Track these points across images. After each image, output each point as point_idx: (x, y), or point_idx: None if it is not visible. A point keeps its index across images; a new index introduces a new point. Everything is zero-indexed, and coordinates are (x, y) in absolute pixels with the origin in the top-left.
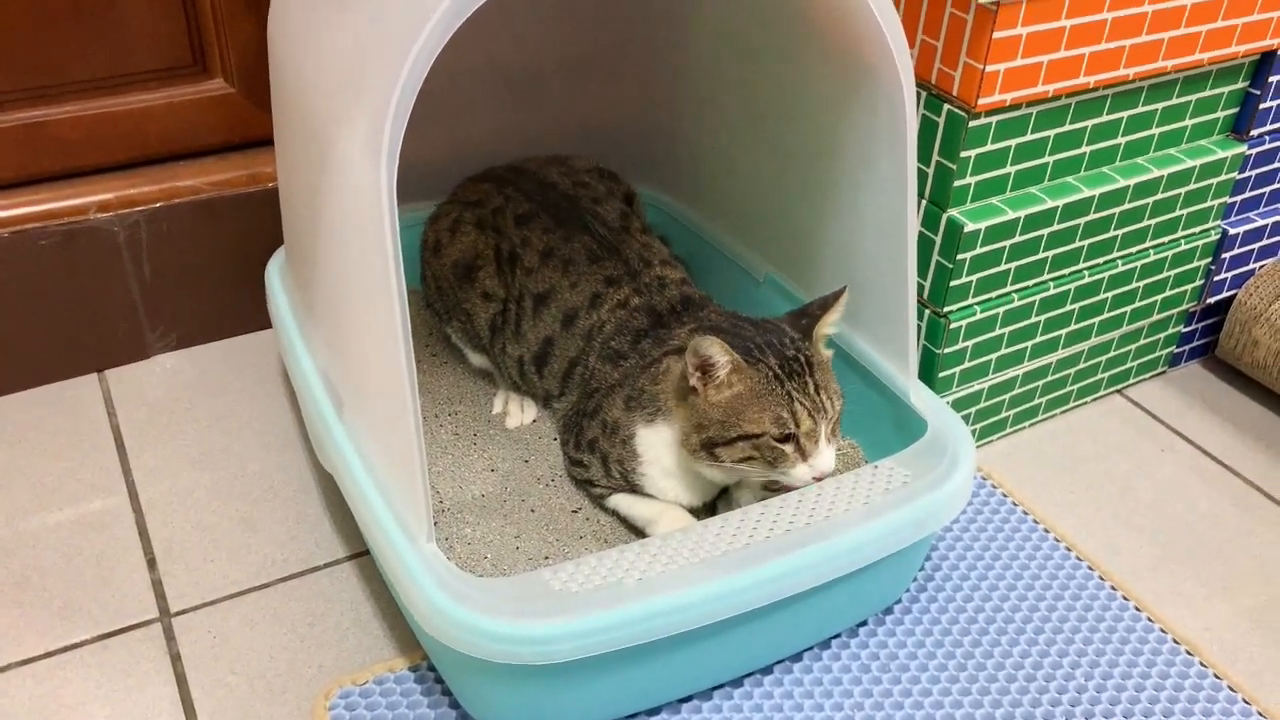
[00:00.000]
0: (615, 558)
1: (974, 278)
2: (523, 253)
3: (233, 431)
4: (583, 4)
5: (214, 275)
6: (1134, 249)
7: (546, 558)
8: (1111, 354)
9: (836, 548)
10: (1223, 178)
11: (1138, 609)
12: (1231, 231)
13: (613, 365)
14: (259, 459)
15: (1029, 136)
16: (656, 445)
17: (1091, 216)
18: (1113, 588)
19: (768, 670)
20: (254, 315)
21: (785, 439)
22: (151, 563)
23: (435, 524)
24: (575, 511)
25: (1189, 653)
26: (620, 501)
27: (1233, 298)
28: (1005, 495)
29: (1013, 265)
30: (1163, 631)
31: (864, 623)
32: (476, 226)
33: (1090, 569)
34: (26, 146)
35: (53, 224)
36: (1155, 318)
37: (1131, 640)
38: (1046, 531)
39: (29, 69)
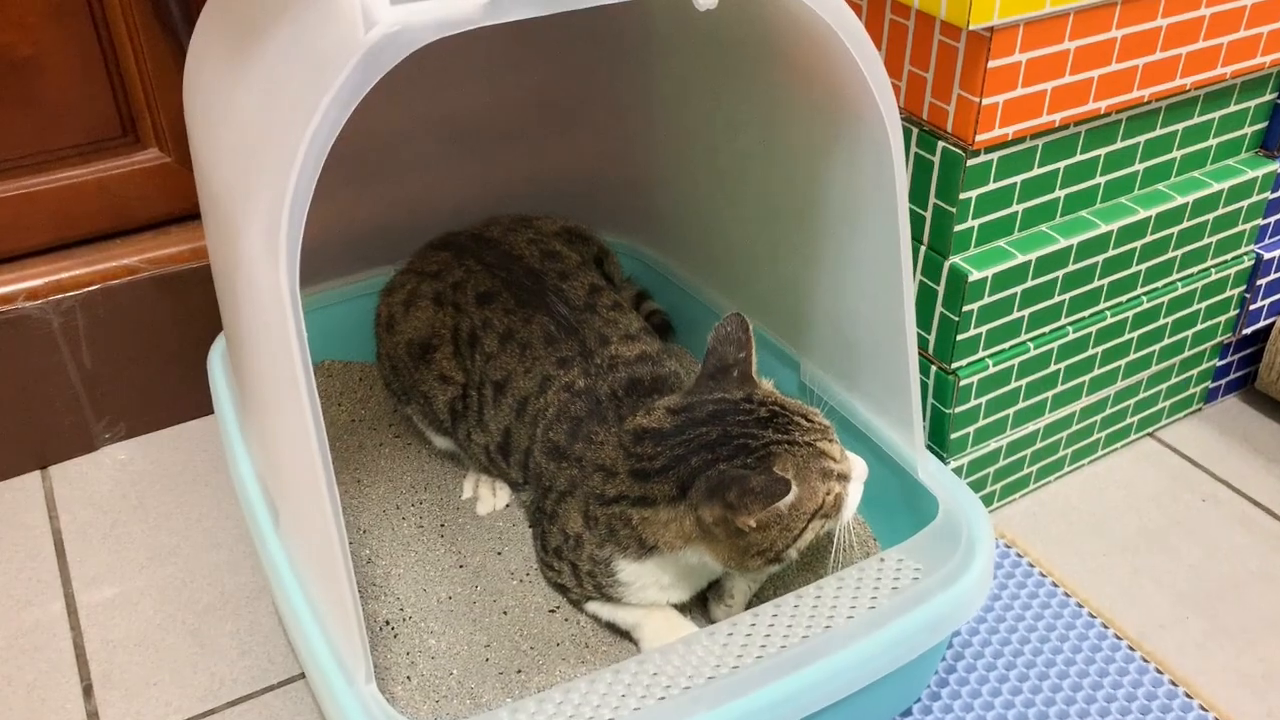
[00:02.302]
0: (584, 690)
1: (983, 329)
2: (483, 335)
3: (181, 531)
4: (540, 55)
5: (161, 358)
6: (1159, 283)
7: (519, 670)
8: (1140, 395)
9: (838, 665)
10: (1254, 199)
11: (1189, 695)
12: (1266, 256)
13: (555, 463)
14: (209, 560)
15: (1036, 171)
16: (650, 572)
17: (1110, 253)
18: (1158, 670)
19: None
20: (208, 398)
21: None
22: (88, 690)
23: (396, 636)
24: (553, 611)
25: None
26: (600, 609)
27: (1271, 326)
28: (1031, 565)
29: (1026, 312)
30: None
31: None
32: (434, 302)
33: (1131, 649)
34: None
35: None
36: (1187, 354)
37: None
38: (1080, 606)
39: None
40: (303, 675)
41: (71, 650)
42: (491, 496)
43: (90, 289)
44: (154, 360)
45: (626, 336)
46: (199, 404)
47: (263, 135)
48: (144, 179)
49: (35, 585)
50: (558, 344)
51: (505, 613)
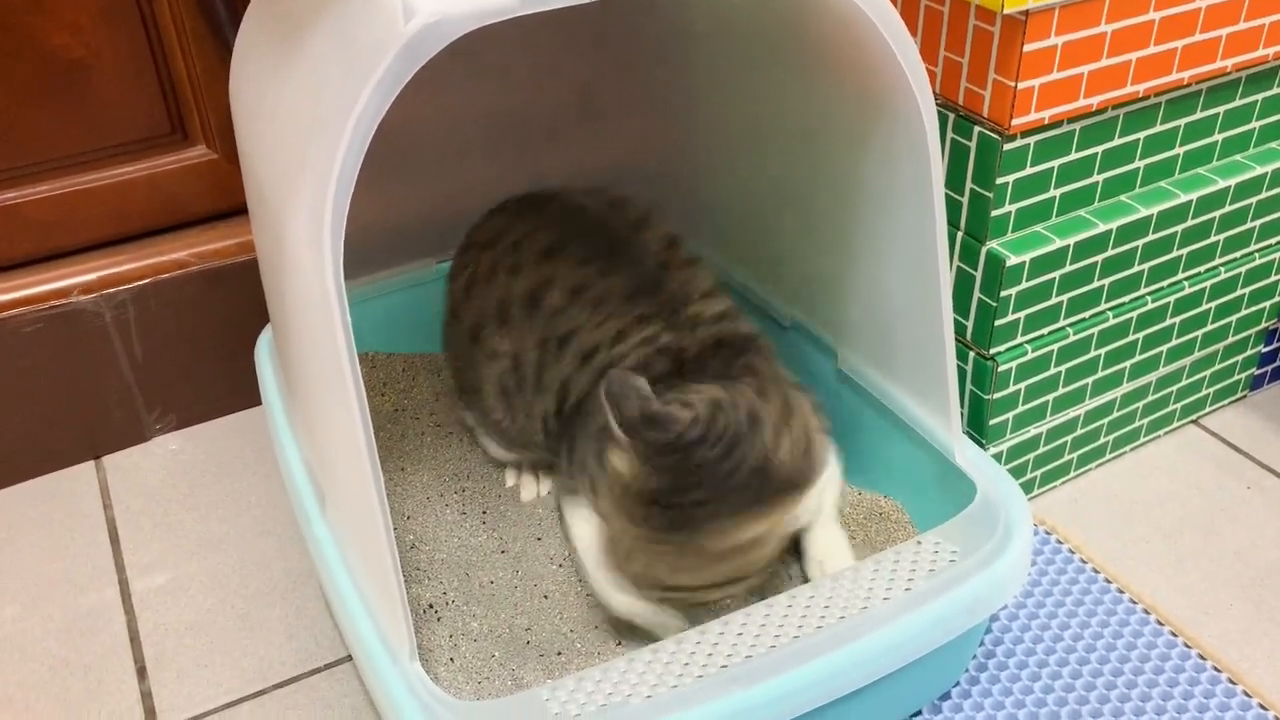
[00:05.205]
0: (622, 669)
1: (1021, 314)
2: (545, 293)
3: (231, 518)
4: (578, 49)
5: (210, 350)
6: (1202, 268)
7: (559, 652)
8: (1183, 382)
9: (876, 646)
10: None
11: (1232, 682)
12: None
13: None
14: (258, 547)
15: (1073, 155)
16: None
17: (1150, 237)
18: (1201, 657)
19: None
20: (256, 389)
21: None
22: (142, 671)
23: (439, 619)
24: (593, 595)
25: None
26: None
27: None
28: (1072, 551)
29: (1065, 297)
30: (1263, 708)
31: (918, 713)
32: (486, 280)
33: (1173, 635)
34: (0, 231)
35: (34, 309)
36: (1230, 340)
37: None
38: (1121, 592)
39: None
40: (349, 657)
41: (126, 634)
42: (535, 483)
43: (141, 283)
44: (203, 352)
45: (706, 293)
46: (247, 395)
47: (306, 127)
48: (192, 175)
49: (91, 572)
50: (637, 299)
51: (546, 597)
